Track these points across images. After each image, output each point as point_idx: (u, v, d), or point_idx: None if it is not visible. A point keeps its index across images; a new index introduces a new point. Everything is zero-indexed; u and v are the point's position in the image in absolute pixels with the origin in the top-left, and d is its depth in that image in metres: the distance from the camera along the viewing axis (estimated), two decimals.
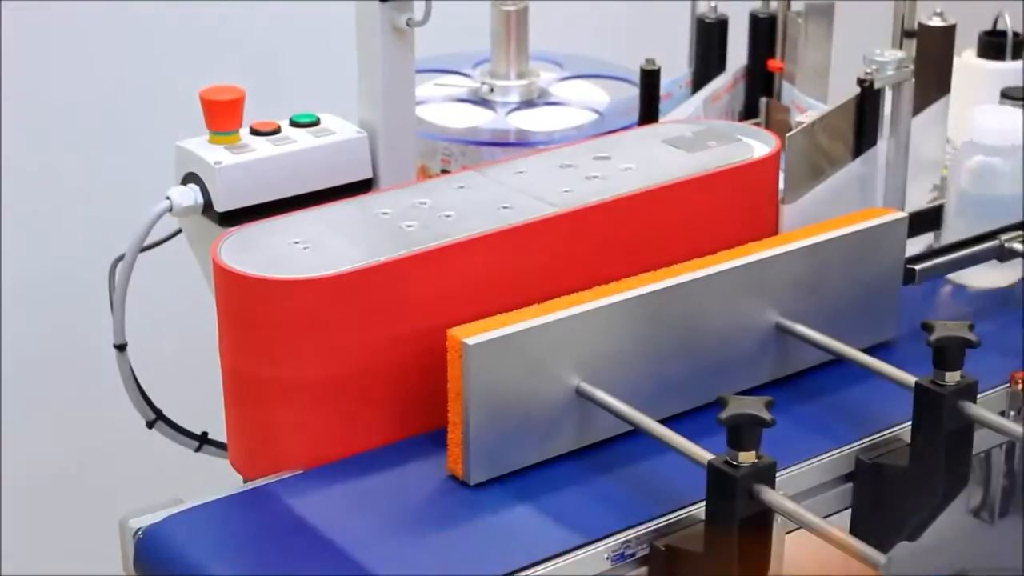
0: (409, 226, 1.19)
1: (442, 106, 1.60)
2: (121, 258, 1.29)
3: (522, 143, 1.53)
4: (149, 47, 1.98)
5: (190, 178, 1.29)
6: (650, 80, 1.54)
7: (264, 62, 2.00)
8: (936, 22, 1.48)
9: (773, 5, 1.64)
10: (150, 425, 1.35)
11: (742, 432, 1.00)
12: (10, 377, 2.00)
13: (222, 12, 1.99)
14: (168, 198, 1.27)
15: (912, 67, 1.41)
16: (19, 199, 1.95)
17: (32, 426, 2.04)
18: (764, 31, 1.64)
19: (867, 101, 1.39)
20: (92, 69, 1.96)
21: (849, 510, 1.16)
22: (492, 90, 1.60)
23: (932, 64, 1.47)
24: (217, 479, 1.18)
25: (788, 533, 1.05)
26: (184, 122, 1.37)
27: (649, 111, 1.55)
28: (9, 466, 2.04)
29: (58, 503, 2.07)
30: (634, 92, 1.64)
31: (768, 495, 1.00)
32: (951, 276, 1.41)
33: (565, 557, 1.03)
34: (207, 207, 1.28)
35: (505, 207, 1.22)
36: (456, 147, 1.52)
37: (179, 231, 1.36)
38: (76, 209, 1.98)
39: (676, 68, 1.63)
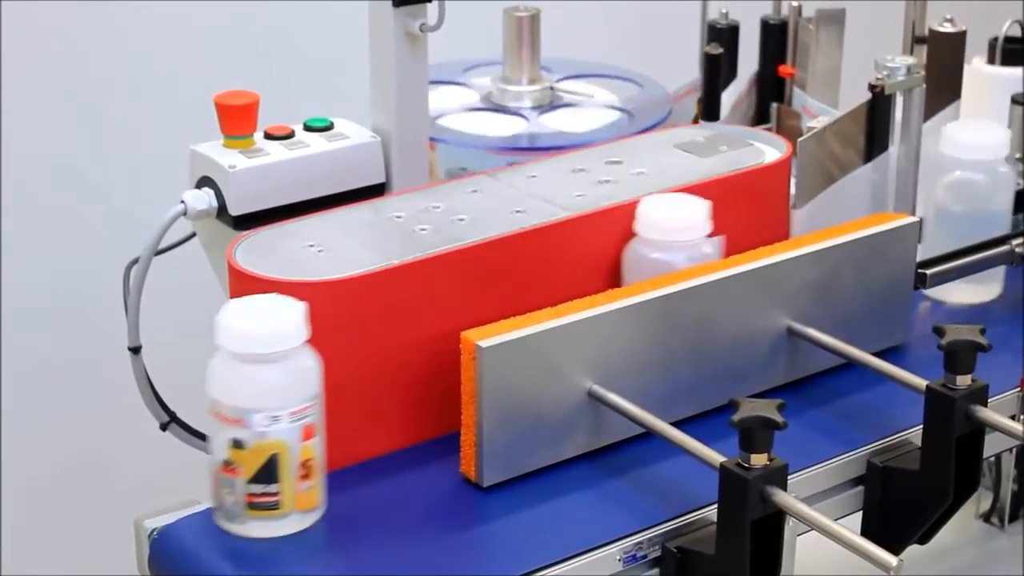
0: (422, 230, 1.19)
1: (465, 116, 1.59)
2: (136, 261, 1.30)
3: (563, 145, 1.49)
4: (164, 51, 1.98)
5: (204, 182, 1.29)
6: (713, 65, 1.55)
7: (278, 67, 2.00)
8: (946, 28, 1.49)
9: (784, 11, 1.65)
10: (164, 427, 1.35)
11: (754, 435, 1.00)
12: (24, 378, 2.00)
13: (236, 16, 2.00)
14: (183, 202, 1.28)
15: (923, 73, 1.41)
16: (32, 202, 1.96)
17: (46, 428, 2.04)
18: (775, 37, 1.64)
19: (878, 107, 1.39)
20: (109, 72, 1.96)
21: (860, 513, 1.17)
22: (519, 96, 1.60)
23: (942, 70, 1.48)
24: None
25: (799, 535, 1.06)
26: (199, 126, 1.38)
27: (711, 98, 1.56)
28: (23, 468, 2.04)
29: (73, 504, 2.08)
30: (636, 91, 1.64)
31: (780, 497, 1.01)
32: (929, 292, 1.37)
33: (577, 559, 1.04)
34: (221, 211, 1.28)
35: (518, 211, 1.22)
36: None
37: (193, 234, 1.37)
38: (91, 213, 1.99)
39: (687, 73, 1.64)
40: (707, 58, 1.57)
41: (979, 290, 1.38)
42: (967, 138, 1.36)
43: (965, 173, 1.36)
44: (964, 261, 1.36)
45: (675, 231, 1.22)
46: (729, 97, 1.63)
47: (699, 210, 1.23)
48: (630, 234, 1.24)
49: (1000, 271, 1.39)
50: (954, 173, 1.36)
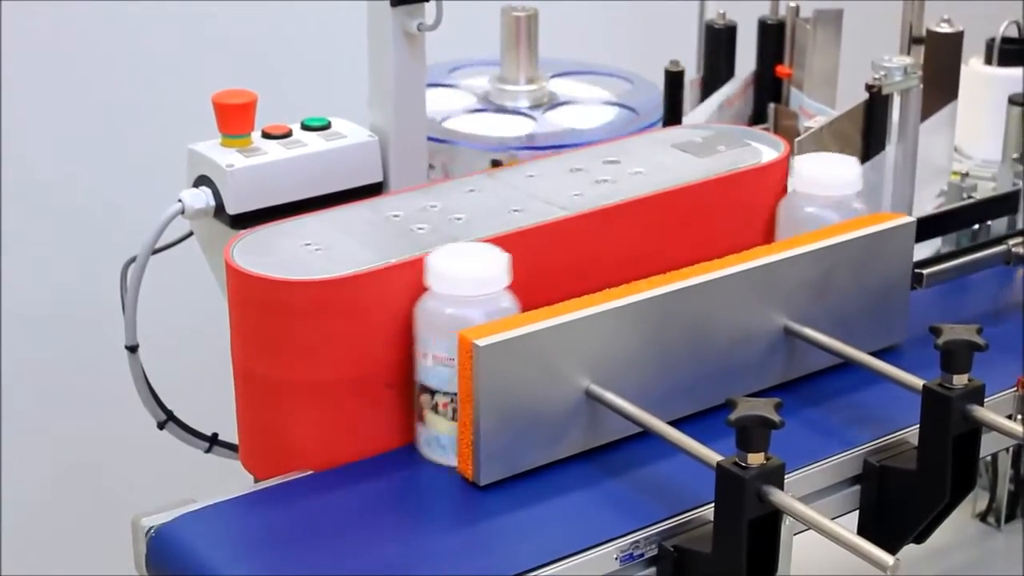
0: (420, 229, 1.19)
1: (471, 117, 1.59)
2: (133, 260, 1.30)
3: (575, 143, 1.49)
4: (162, 51, 1.98)
5: (202, 181, 1.30)
6: (675, 81, 1.55)
7: (276, 66, 2.00)
8: (944, 28, 1.49)
9: (782, 11, 1.65)
10: (161, 426, 1.35)
11: (751, 434, 1.00)
12: (21, 377, 2.01)
13: (234, 16, 2.00)
14: (180, 200, 1.28)
15: (920, 73, 1.41)
16: (31, 201, 1.96)
17: (45, 428, 2.04)
18: (772, 37, 1.64)
19: (875, 107, 1.39)
20: (108, 71, 1.97)
21: (857, 512, 1.17)
22: (516, 96, 1.60)
23: (940, 70, 1.48)
24: (228, 479, 1.19)
25: (796, 534, 1.06)
26: (197, 125, 1.38)
27: (673, 112, 1.56)
28: (20, 467, 2.04)
29: (72, 504, 2.08)
30: (632, 90, 1.65)
31: (776, 496, 1.01)
32: None
33: (574, 558, 1.04)
34: (219, 210, 1.28)
35: (515, 210, 1.23)
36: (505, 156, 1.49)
37: (191, 233, 1.37)
38: (88, 212, 1.99)
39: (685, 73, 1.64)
40: (668, 75, 1.57)
41: None
42: (819, 174, 1.29)
43: (817, 210, 1.28)
44: (961, 261, 1.36)
45: (471, 284, 1.11)
46: (719, 96, 1.63)
47: (498, 261, 1.12)
48: (624, 235, 1.24)
49: None
50: (805, 210, 1.29)
